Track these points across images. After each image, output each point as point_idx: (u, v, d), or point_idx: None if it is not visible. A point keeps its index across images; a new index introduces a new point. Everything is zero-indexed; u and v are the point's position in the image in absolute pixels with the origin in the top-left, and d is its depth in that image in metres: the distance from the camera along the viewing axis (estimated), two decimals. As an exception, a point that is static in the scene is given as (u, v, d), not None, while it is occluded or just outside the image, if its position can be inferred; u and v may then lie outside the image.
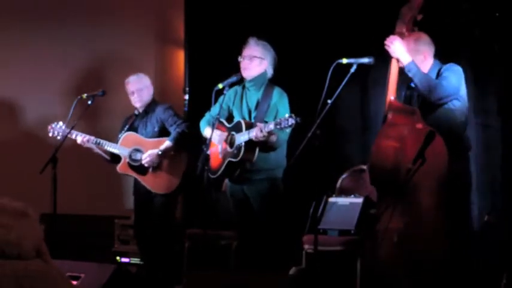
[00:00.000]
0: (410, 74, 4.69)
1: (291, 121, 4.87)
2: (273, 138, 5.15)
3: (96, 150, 6.02)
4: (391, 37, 4.74)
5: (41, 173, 5.63)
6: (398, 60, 4.76)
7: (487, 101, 5.66)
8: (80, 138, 5.97)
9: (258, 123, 5.14)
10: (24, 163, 6.90)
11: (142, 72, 6.17)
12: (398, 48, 4.70)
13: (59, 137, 5.99)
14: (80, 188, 7.03)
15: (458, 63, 5.35)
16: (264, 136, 5.07)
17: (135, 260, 6.54)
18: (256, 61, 5.40)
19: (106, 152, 6.04)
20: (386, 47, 4.75)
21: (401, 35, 4.75)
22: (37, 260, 2.55)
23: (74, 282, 4.29)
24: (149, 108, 6.06)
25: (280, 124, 4.92)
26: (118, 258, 6.63)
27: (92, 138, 5.97)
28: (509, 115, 5.55)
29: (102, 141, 5.97)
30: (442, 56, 5.01)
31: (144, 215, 6.05)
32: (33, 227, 2.64)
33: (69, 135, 5.95)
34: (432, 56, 4.88)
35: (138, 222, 6.17)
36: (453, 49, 5.59)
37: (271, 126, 5.00)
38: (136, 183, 6.08)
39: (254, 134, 5.09)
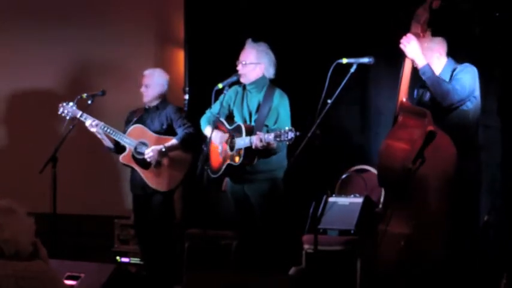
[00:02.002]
0: (424, 77, 4.62)
1: (291, 135, 4.87)
2: (272, 146, 5.14)
3: (102, 136, 6.01)
4: (409, 36, 4.66)
5: (40, 172, 5.63)
6: (413, 61, 4.70)
7: (487, 101, 5.65)
8: (89, 121, 5.95)
9: (258, 132, 5.12)
10: (24, 163, 6.90)
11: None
12: (415, 49, 4.63)
13: (67, 117, 5.98)
14: (80, 188, 7.02)
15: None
16: (263, 146, 5.07)
17: (135, 260, 6.54)
18: (250, 67, 5.39)
19: (111, 139, 6.03)
20: (402, 46, 4.67)
21: (417, 36, 4.68)
22: (38, 261, 2.55)
23: (74, 282, 4.30)
24: (160, 105, 6.07)
25: (280, 137, 4.91)
26: (118, 258, 6.63)
27: (101, 123, 5.97)
28: (509, 115, 5.54)
29: (110, 128, 5.96)
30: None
31: (143, 212, 6.04)
32: (23, 221, 2.65)
33: (78, 117, 5.95)
34: (445, 55, 4.85)
35: (138, 220, 6.17)
36: (453, 49, 5.59)
37: (271, 138, 4.99)
38: (133, 178, 6.07)
39: (254, 143, 5.08)
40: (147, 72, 6.11)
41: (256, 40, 5.46)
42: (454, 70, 4.76)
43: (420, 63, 4.64)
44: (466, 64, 4.80)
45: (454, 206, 4.50)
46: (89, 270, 4.44)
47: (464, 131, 4.67)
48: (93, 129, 5.94)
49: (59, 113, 6.05)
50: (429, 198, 4.47)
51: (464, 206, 4.59)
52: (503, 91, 5.59)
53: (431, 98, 4.77)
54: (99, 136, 5.99)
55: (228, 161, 5.31)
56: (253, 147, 5.11)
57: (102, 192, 7.05)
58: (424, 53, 4.68)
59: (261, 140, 5.05)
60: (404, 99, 4.69)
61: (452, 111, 4.68)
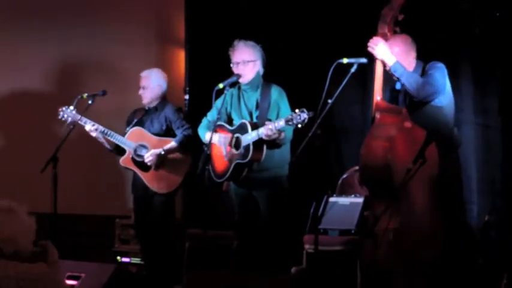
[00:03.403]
0: (396, 75, 4.66)
1: (303, 116, 4.82)
2: (282, 135, 5.12)
3: (102, 140, 6.02)
4: (375, 39, 4.72)
5: (41, 172, 5.63)
6: (383, 62, 4.73)
7: (487, 101, 5.67)
8: (88, 126, 5.97)
9: (267, 122, 5.09)
10: (25, 163, 6.90)
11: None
12: (383, 50, 4.68)
13: (67, 121, 5.99)
14: (80, 187, 7.03)
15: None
16: (274, 134, 5.04)
17: (136, 260, 6.54)
18: (250, 65, 5.37)
19: (111, 143, 6.04)
20: (369, 49, 4.71)
21: (384, 36, 4.73)
22: (40, 263, 2.55)
23: (75, 282, 4.30)
24: (159, 106, 6.07)
25: (292, 120, 4.87)
26: (118, 258, 6.63)
27: (101, 127, 5.98)
28: (509, 115, 5.55)
29: (109, 131, 5.98)
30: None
31: (143, 213, 6.05)
32: (22, 221, 2.65)
33: (78, 121, 5.97)
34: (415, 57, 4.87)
35: (138, 221, 6.18)
36: (453, 49, 5.60)
37: (282, 123, 4.96)
38: (135, 180, 6.08)
39: (265, 132, 5.03)
40: (144, 73, 6.10)
41: (243, 39, 5.45)
42: (423, 69, 4.79)
43: (389, 62, 4.68)
44: (434, 61, 4.81)
45: (441, 206, 4.52)
46: (89, 270, 4.44)
47: (439, 128, 4.66)
48: (93, 134, 5.97)
49: (59, 117, 6.05)
50: (413, 195, 4.48)
51: (448, 205, 4.60)
52: (503, 91, 5.60)
53: (406, 99, 4.79)
54: (99, 140, 6.01)
55: (236, 161, 5.27)
56: (264, 137, 5.06)
57: (103, 192, 7.05)
58: (402, 57, 4.69)
59: (271, 129, 5.01)
60: (379, 99, 4.71)
61: (427, 109, 4.70)
